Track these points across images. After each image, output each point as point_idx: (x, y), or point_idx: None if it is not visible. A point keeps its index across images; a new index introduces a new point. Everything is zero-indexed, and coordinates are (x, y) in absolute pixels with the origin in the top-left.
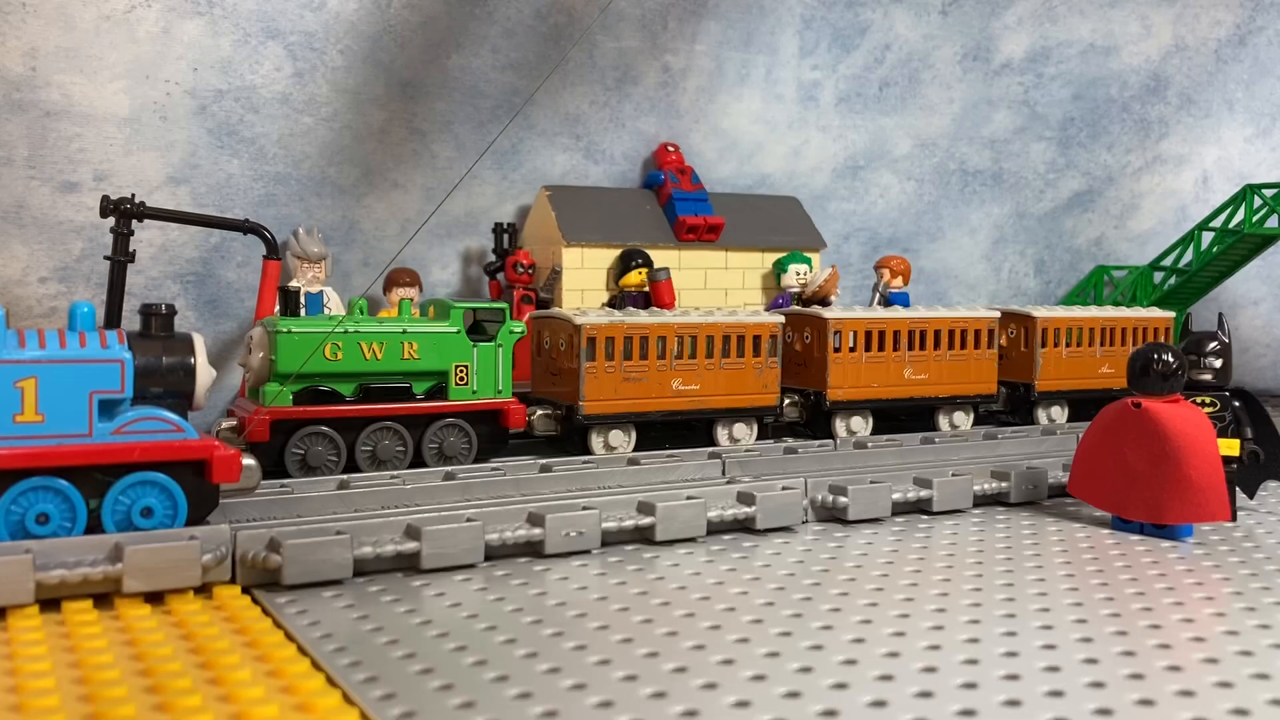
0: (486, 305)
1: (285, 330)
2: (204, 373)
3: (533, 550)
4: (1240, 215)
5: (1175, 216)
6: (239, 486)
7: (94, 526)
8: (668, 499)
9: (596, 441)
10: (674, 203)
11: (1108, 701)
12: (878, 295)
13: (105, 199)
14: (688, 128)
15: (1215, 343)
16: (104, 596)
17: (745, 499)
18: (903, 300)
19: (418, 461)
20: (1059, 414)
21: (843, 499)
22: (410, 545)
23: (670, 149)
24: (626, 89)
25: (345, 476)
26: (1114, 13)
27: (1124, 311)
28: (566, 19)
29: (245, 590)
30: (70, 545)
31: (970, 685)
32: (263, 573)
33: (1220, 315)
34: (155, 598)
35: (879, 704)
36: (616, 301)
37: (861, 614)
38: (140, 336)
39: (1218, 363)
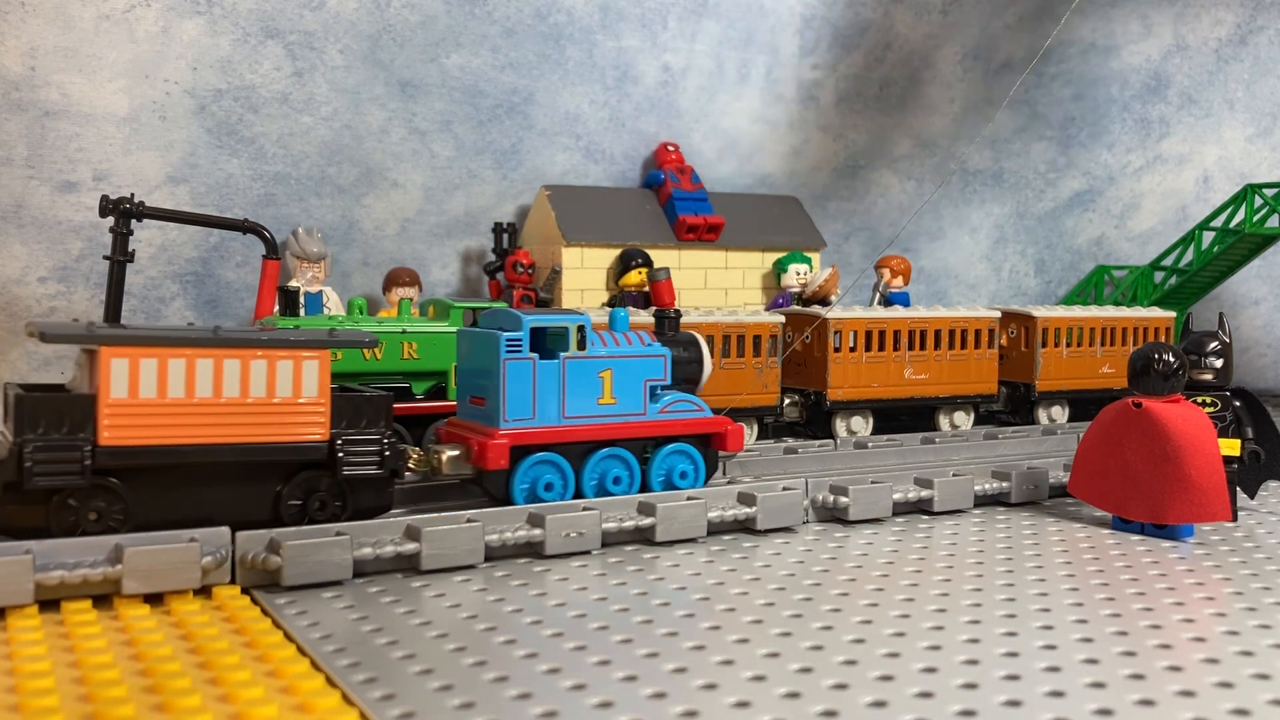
0: (486, 305)
1: None
2: (708, 364)
3: (533, 551)
4: (1241, 215)
5: (1176, 216)
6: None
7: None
8: (668, 499)
9: None
10: (674, 202)
11: (1108, 702)
12: (878, 295)
13: (104, 198)
14: (688, 127)
15: (1216, 342)
16: (103, 597)
17: (746, 499)
18: (903, 300)
19: None
20: (1059, 414)
21: (844, 499)
22: (410, 546)
23: (670, 149)
24: (626, 89)
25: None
26: (1114, 12)
27: (1124, 311)
28: (566, 19)
29: (245, 590)
30: (70, 546)
31: (970, 685)
32: (262, 574)
33: (1221, 315)
34: (155, 598)
35: (879, 704)
36: (616, 301)
37: (861, 614)
38: (659, 336)
39: (1218, 362)
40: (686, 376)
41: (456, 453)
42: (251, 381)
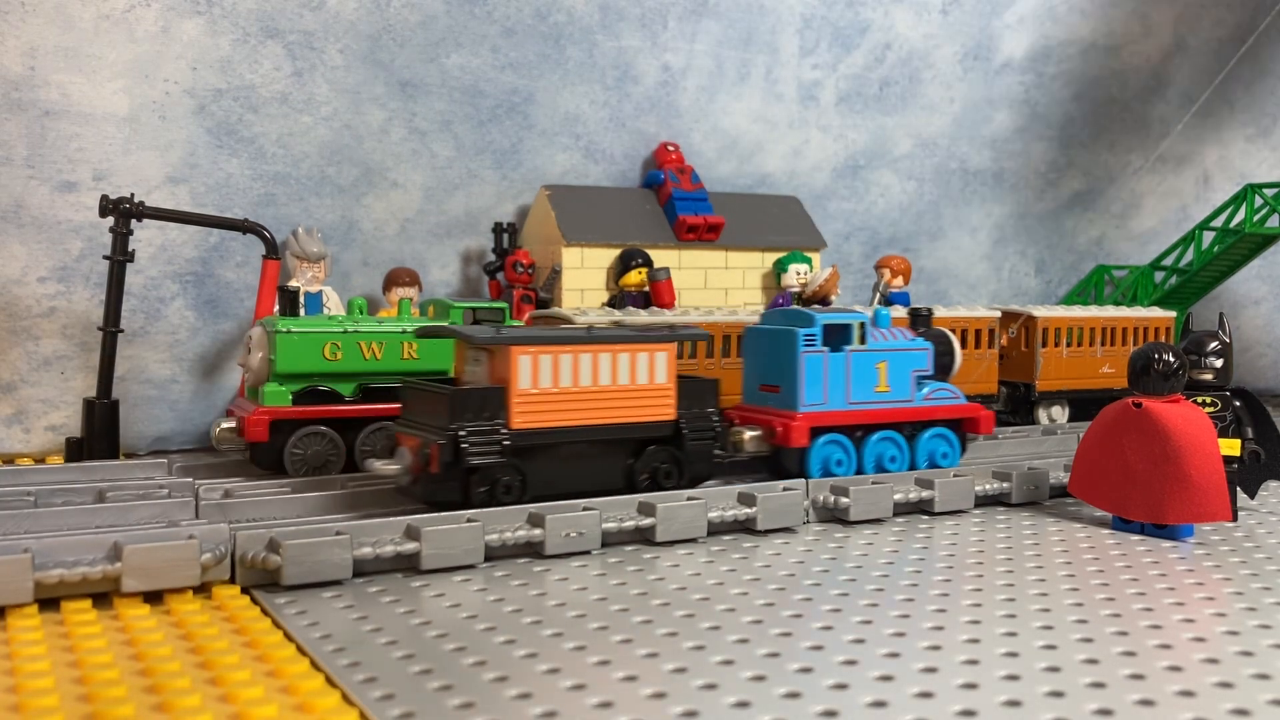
0: (486, 305)
1: (285, 330)
2: (959, 357)
3: (533, 551)
4: (1241, 215)
5: (1176, 216)
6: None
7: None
8: (668, 499)
9: None
10: (674, 202)
11: (1108, 702)
12: (878, 295)
13: (104, 198)
14: (688, 127)
15: (1216, 342)
16: (103, 596)
17: (746, 500)
18: (904, 300)
19: None
20: (1059, 414)
21: (844, 499)
22: (410, 546)
23: (670, 148)
24: (626, 89)
25: (345, 476)
26: (1114, 12)
27: (1125, 311)
28: (566, 19)
29: (244, 590)
30: (69, 545)
31: (970, 685)
32: (262, 573)
33: (1221, 315)
34: (154, 597)
35: (879, 704)
36: (616, 301)
37: (861, 614)
38: (915, 332)
39: (1218, 362)
40: (941, 367)
41: (757, 433)
42: (619, 371)
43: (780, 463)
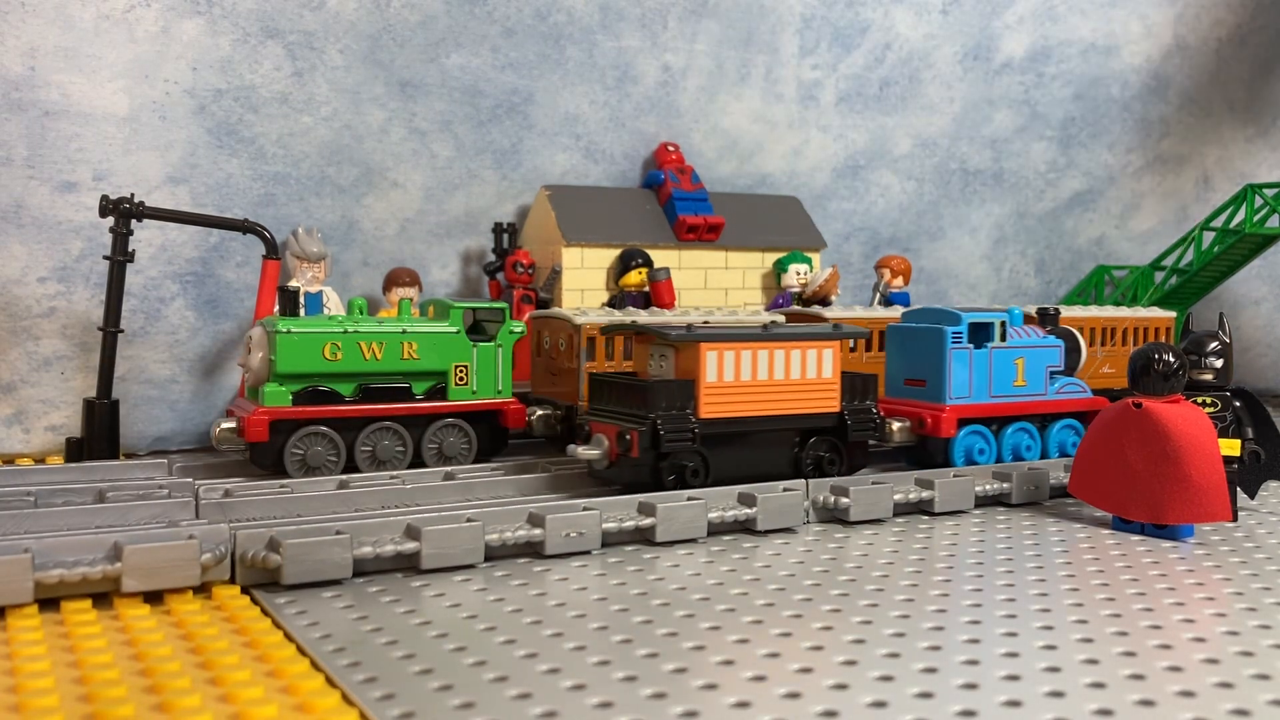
0: (486, 305)
1: (285, 330)
2: (1084, 353)
3: (533, 551)
4: (1241, 215)
5: (1176, 216)
6: None
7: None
8: (668, 499)
9: None
10: (674, 202)
11: (1108, 702)
12: (878, 295)
13: (104, 199)
14: (688, 127)
15: (1216, 342)
16: (103, 596)
17: (746, 500)
18: (903, 300)
19: (418, 461)
20: None
21: (844, 500)
22: (410, 545)
23: (670, 149)
24: (626, 89)
25: (345, 476)
26: (1114, 12)
27: (1124, 311)
28: (566, 19)
29: (244, 590)
30: (69, 545)
31: (970, 685)
32: (262, 572)
33: (1221, 315)
34: (154, 597)
35: (879, 704)
36: (616, 301)
37: (861, 614)
38: (1043, 328)
39: (1218, 362)
40: (1070, 364)
41: (905, 424)
42: (791, 366)
43: (925, 452)
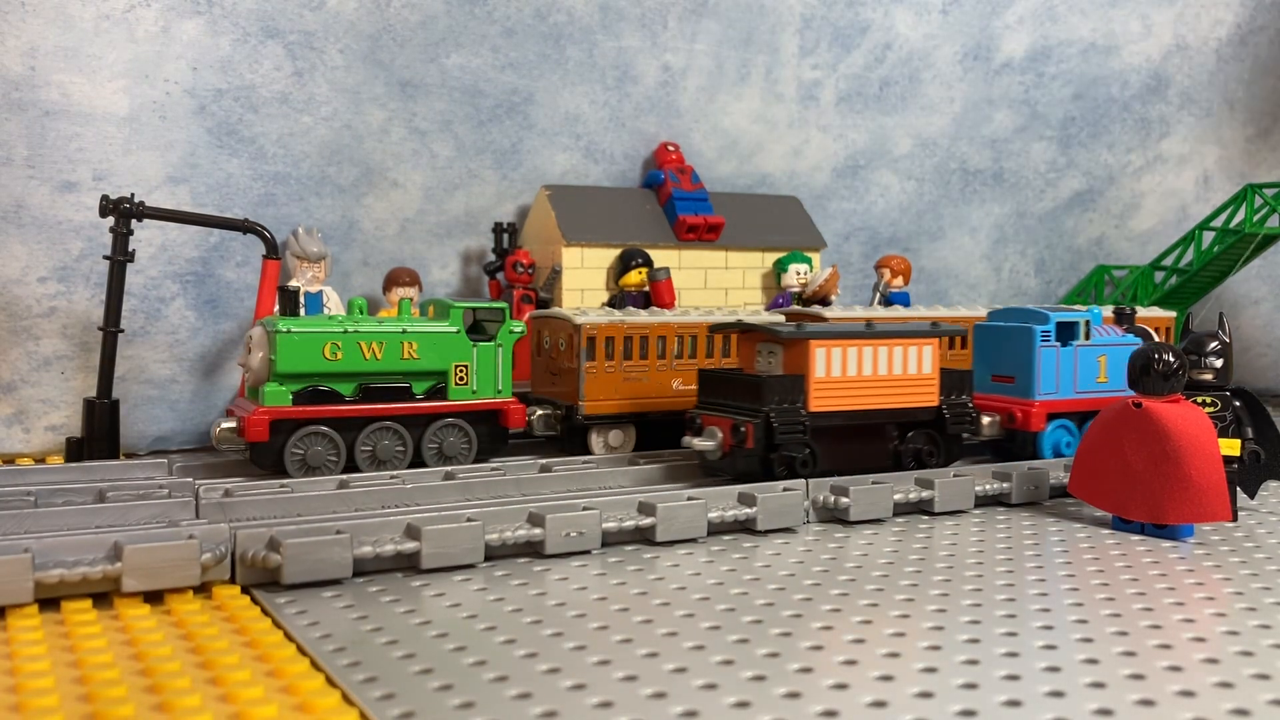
0: (486, 305)
1: (285, 330)
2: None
3: (533, 550)
4: (1241, 215)
5: (1176, 216)
6: None
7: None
8: (668, 499)
9: (596, 441)
10: (674, 202)
11: (1108, 702)
12: (878, 295)
13: (104, 198)
14: (688, 127)
15: (1216, 342)
16: (103, 596)
17: (746, 500)
18: (903, 300)
19: (418, 461)
20: None
21: (844, 500)
22: (410, 545)
23: (670, 149)
24: (626, 89)
25: (345, 476)
26: (1114, 12)
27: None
28: (566, 19)
29: (245, 590)
30: (69, 545)
31: (970, 685)
32: (262, 572)
33: (1220, 315)
34: (154, 597)
35: (879, 704)
36: (616, 301)
37: (861, 614)
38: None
39: (1218, 362)
40: None
41: (995, 418)
42: (894, 362)
43: (1014, 445)
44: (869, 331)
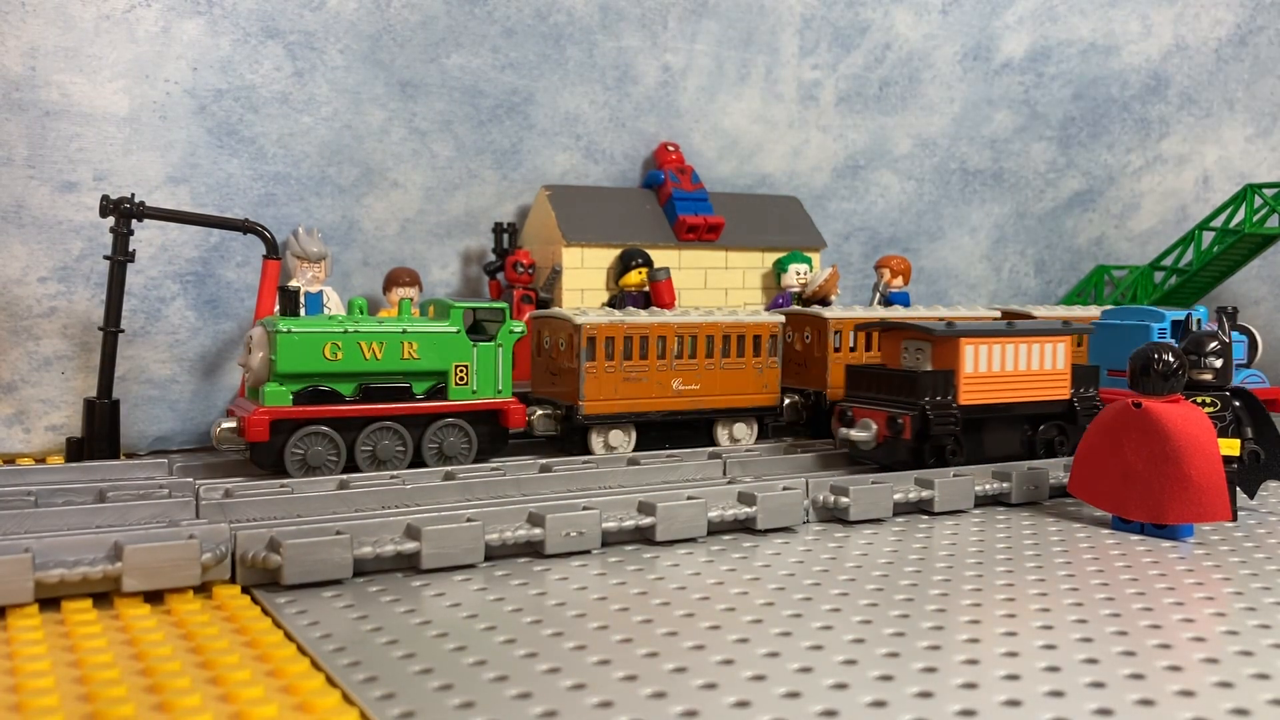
0: (486, 305)
1: (285, 330)
2: (1261, 348)
3: (533, 550)
4: (1241, 215)
5: (1176, 216)
6: None
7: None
8: (668, 499)
9: (596, 441)
10: (674, 202)
11: (1108, 701)
12: (878, 295)
13: (105, 198)
14: (688, 127)
15: (1216, 342)
16: (103, 596)
17: (746, 499)
18: (903, 300)
19: (418, 461)
20: None
21: (844, 499)
22: (410, 545)
23: (670, 149)
24: (626, 89)
25: (345, 476)
26: (1114, 12)
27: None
28: (566, 19)
29: (245, 590)
30: (70, 544)
31: (970, 685)
32: (262, 572)
33: (1220, 314)
34: (155, 597)
35: (879, 704)
36: (616, 301)
37: (861, 614)
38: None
39: (1218, 362)
40: (1250, 357)
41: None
42: (1032, 358)
43: None
44: (1011, 330)
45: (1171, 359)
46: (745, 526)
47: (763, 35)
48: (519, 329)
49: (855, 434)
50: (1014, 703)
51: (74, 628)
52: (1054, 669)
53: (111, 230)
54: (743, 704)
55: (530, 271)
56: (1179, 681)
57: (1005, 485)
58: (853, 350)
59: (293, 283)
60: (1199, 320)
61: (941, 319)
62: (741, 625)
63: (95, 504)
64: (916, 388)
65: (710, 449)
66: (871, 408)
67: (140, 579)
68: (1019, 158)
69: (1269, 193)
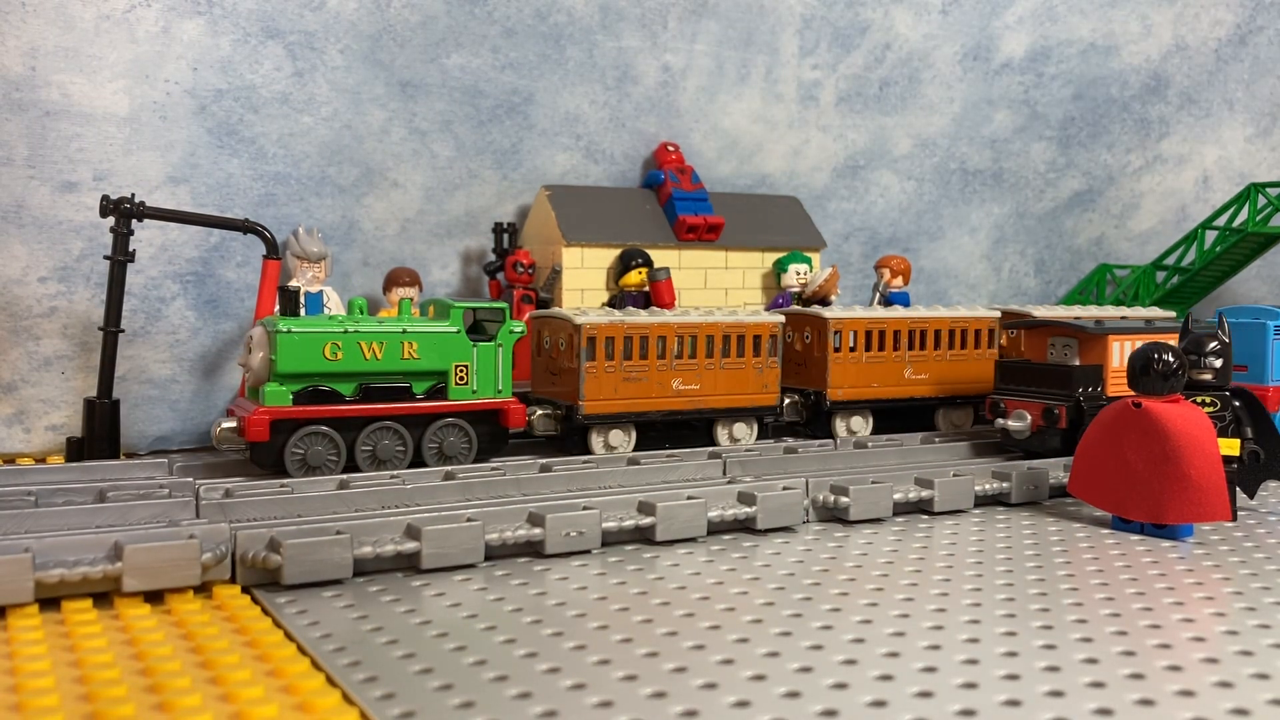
0: (486, 305)
1: (285, 330)
2: None
3: (533, 550)
4: (1244, 214)
5: (1175, 216)
6: None
7: None
8: (668, 499)
9: (596, 441)
10: (674, 202)
11: (1108, 701)
12: (878, 295)
13: (105, 198)
14: (688, 127)
15: (1216, 342)
16: (103, 595)
17: (746, 499)
18: (903, 300)
19: (418, 461)
20: None
21: (844, 499)
22: (410, 545)
23: (670, 149)
24: (626, 89)
25: (345, 476)
26: (1114, 12)
27: (1124, 311)
28: (566, 19)
29: (245, 590)
30: (70, 544)
31: (970, 685)
32: (262, 572)
33: (1220, 315)
34: (155, 597)
35: (879, 704)
36: (616, 301)
37: (861, 614)
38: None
39: (1218, 362)
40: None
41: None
42: (1124, 356)
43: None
44: (1149, 328)
45: (1171, 359)
46: (745, 526)
47: (763, 35)
48: (519, 329)
49: (1011, 424)
50: (1014, 703)
51: (74, 628)
52: (1054, 669)
53: (111, 230)
54: (743, 704)
55: (530, 271)
56: (1179, 681)
57: (1005, 485)
58: (853, 350)
59: (293, 283)
60: None
61: (1079, 318)
62: (741, 625)
63: (95, 504)
64: (1071, 381)
65: (710, 449)
66: (1023, 400)
67: (140, 579)
68: (1019, 158)
69: (1272, 192)
